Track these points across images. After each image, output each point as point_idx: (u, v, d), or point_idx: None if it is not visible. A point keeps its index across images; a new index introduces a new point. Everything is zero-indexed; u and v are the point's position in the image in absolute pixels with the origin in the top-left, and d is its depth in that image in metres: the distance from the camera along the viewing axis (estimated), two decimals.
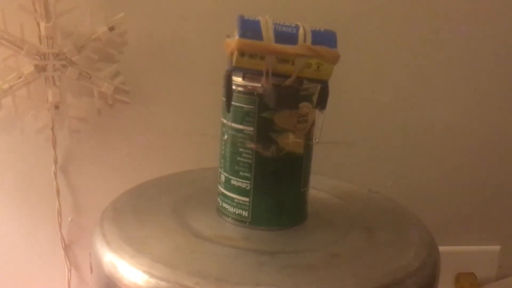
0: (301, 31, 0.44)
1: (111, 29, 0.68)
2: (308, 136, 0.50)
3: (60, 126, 0.73)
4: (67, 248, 0.77)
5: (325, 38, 0.44)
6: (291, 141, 0.47)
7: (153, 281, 0.42)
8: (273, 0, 0.72)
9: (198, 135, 0.49)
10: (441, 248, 0.52)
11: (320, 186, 0.61)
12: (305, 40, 0.43)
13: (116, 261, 0.45)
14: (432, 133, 0.83)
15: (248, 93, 0.47)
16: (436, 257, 0.51)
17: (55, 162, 0.73)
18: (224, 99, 0.47)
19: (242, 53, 0.42)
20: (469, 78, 0.81)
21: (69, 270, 0.78)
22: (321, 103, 0.47)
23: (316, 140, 0.49)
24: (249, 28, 0.42)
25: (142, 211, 0.54)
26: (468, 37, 0.79)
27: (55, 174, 0.73)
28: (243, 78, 0.46)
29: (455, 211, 0.87)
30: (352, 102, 0.78)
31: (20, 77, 0.68)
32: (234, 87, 0.48)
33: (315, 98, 0.49)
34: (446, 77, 0.80)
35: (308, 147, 0.51)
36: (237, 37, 0.42)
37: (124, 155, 0.76)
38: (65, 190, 0.76)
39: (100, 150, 0.75)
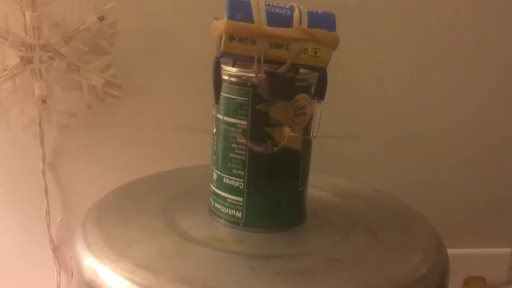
0: (296, 12, 0.40)
1: (101, 19, 0.66)
2: (306, 131, 0.47)
3: (48, 122, 0.71)
4: (56, 249, 0.75)
5: (323, 20, 0.41)
6: (287, 136, 0.44)
7: None
8: None
9: (200, 131, 0.46)
10: (449, 251, 0.49)
11: (320, 184, 0.58)
12: (300, 23, 0.40)
13: (96, 266, 0.42)
14: (441, 129, 0.79)
15: (241, 84, 0.44)
16: (445, 262, 0.47)
17: (43, 159, 0.71)
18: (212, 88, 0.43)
19: (231, 37, 0.39)
20: (479, 72, 0.77)
21: (58, 273, 0.76)
22: (319, 92, 0.44)
23: (314, 134, 0.45)
24: (238, 9, 0.39)
25: (128, 211, 0.51)
26: (477, 32, 0.76)
27: (43, 171, 0.71)
28: (233, 65, 0.43)
29: (464, 211, 0.84)
30: (354, 93, 0.75)
31: (4, 70, 0.65)
32: (226, 77, 0.45)
33: (313, 90, 0.45)
34: (456, 71, 0.77)
35: (306, 142, 0.47)
36: (225, 19, 0.39)
37: (115, 152, 0.73)
38: (54, 189, 0.73)
39: (90, 147, 0.73)
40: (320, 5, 0.42)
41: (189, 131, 0.65)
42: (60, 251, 0.75)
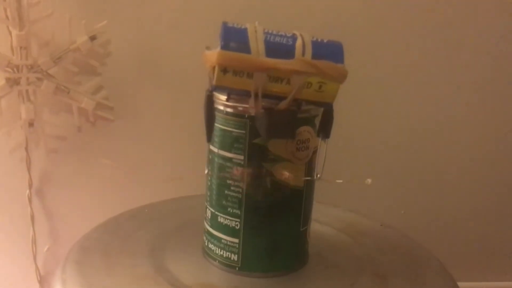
0: (298, 42, 0.37)
1: (93, 38, 0.64)
2: (309, 166, 0.43)
3: (36, 146, 0.69)
4: (42, 280, 0.72)
5: (329, 50, 0.37)
6: (289, 175, 0.40)
7: None
8: (268, 5, 0.66)
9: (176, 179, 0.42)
10: (465, 285, 0.47)
11: (324, 218, 0.55)
12: (304, 54, 0.36)
13: None
14: (451, 154, 0.76)
15: (238, 115, 0.41)
16: None
17: (30, 185, 0.69)
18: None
19: (224, 69, 0.35)
20: (493, 105, 0.75)
21: None
22: (324, 130, 0.40)
23: (319, 176, 0.41)
24: (233, 38, 0.35)
25: (114, 251, 0.47)
26: (490, 61, 0.73)
27: (29, 198, 0.69)
28: (228, 100, 0.39)
29: (481, 241, 0.80)
30: (360, 123, 0.73)
31: None
32: (221, 107, 0.41)
33: (317, 121, 0.42)
34: (468, 105, 0.75)
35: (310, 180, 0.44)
36: (218, 49, 0.35)
37: (106, 178, 0.71)
38: (41, 216, 0.71)
39: (79, 173, 0.71)
40: (327, 33, 0.38)
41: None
42: (47, 282, 0.73)
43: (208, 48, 0.36)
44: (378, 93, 0.72)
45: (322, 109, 0.40)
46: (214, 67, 0.35)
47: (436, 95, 0.73)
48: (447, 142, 0.76)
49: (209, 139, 0.40)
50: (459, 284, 0.46)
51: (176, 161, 0.71)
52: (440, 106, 0.74)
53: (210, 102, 0.38)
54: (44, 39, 0.64)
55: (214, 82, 0.36)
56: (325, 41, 0.38)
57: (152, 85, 0.68)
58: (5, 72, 0.62)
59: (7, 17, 0.60)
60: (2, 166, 0.68)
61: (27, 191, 0.69)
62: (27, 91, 0.64)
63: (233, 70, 0.35)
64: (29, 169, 0.68)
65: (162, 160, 0.71)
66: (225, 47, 0.35)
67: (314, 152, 0.43)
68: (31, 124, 0.65)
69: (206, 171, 0.42)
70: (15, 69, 0.62)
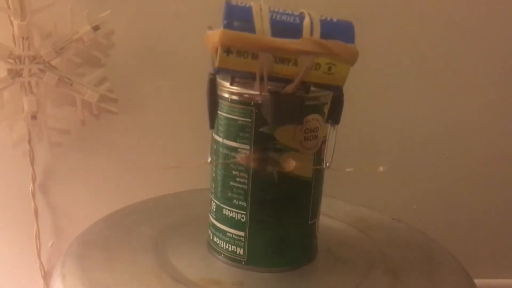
0: (306, 20, 0.35)
1: (96, 28, 0.63)
2: (318, 156, 0.42)
3: (39, 139, 0.68)
4: (46, 276, 0.71)
5: (338, 30, 0.35)
6: (296, 163, 0.39)
7: None
8: None
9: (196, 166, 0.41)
10: (479, 281, 0.46)
11: (333, 213, 0.54)
12: (312, 33, 0.34)
13: None
14: (465, 148, 0.75)
15: (243, 103, 0.39)
16: None
17: (33, 179, 0.68)
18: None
19: (227, 50, 0.33)
20: (508, 99, 0.74)
21: None
22: (334, 115, 0.38)
23: (328, 165, 0.40)
24: (237, 17, 0.33)
25: (116, 246, 0.46)
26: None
27: (33, 193, 0.68)
28: (232, 83, 0.38)
29: (495, 237, 0.79)
30: (371, 112, 0.71)
31: None
32: (226, 95, 0.40)
33: (326, 109, 0.40)
34: (482, 97, 0.73)
35: (318, 170, 0.42)
36: (221, 28, 0.33)
37: (110, 172, 0.70)
38: (45, 211, 0.70)
39: (83, 166, 0.70)
40: (336, 12, 0.37)
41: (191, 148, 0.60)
42: (51, 277, 0.71)
43: (210, 28, 0.35)
44: (391, 79, 0.70)
45: (331, 96, 0.39)
46: (216, 48, 0.33)
47: (454, 86, 0.72)
48: (461, 136, 0.74)
49: (212, 125, 0.39)
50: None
51: (182, 154, 0.69)
52: (457, 99, 0.72)
53: (213, 86, 0.36)
54: (46, 29, 0.63)
55: (217, 64, 0.34)
56: (334, 20, 0.36)
57: (157, 77, 0.67)
58: (6, 63, 0.61)
59: (8, 6, 0.59)
60: (5, 160, 0.67)
61: (31, 185, 0.68)
62: (29, 82, 0.62)
63: (236, 51, 0.33)
64: (32, 163, 0.67)
65: (167, 153, 0.70)
66: (228, 26, 0.33)
67: (323, 142, 0.42)
68: (33, 117, 0.64)
69: (209, 160, 0.40)
70: (17, 60, 0.61)
